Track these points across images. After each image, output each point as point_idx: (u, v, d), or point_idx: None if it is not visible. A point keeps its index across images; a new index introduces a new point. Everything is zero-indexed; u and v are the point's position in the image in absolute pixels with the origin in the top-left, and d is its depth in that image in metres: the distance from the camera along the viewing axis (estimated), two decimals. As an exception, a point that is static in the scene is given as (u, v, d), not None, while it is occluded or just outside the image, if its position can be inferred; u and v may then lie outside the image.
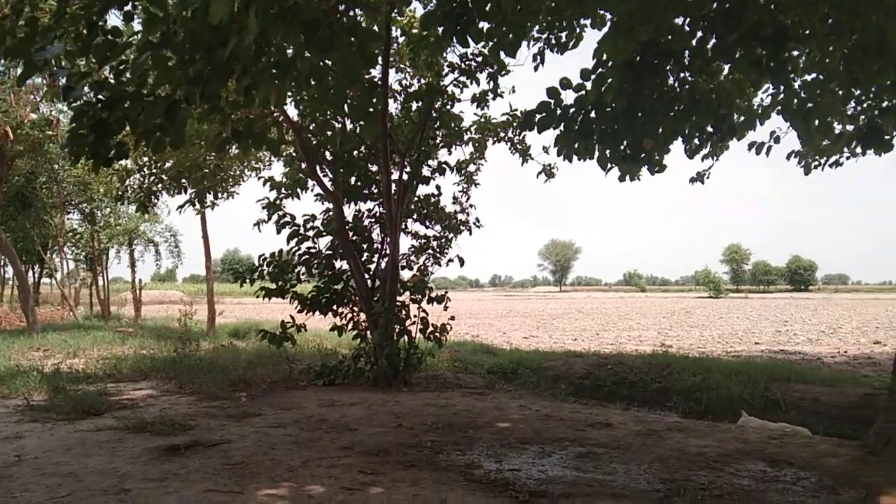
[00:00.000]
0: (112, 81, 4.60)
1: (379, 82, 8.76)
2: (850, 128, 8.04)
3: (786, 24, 6.50)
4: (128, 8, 4.70)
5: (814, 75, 6.95)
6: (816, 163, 8.75)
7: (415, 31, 9.07)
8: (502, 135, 11.00)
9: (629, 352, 13.89)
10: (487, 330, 22.34)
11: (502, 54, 6.91)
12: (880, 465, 4.34)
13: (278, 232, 8.99)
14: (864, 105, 7.34)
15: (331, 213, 9.28)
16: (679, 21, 6.47)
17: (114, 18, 14.06)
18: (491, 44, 7.17)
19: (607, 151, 7.26)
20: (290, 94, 8.34)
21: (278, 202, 9.29)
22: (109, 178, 14.24)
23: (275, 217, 9.10)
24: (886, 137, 7.61)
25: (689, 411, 8.64)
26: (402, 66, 9.99)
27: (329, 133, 9.11)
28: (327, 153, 9.23)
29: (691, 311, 38.60)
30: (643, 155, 7.32)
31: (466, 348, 12.71)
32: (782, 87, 6.99)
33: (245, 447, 5.05)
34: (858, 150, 7.94)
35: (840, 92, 6.85)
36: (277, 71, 4.78)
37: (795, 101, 6.93)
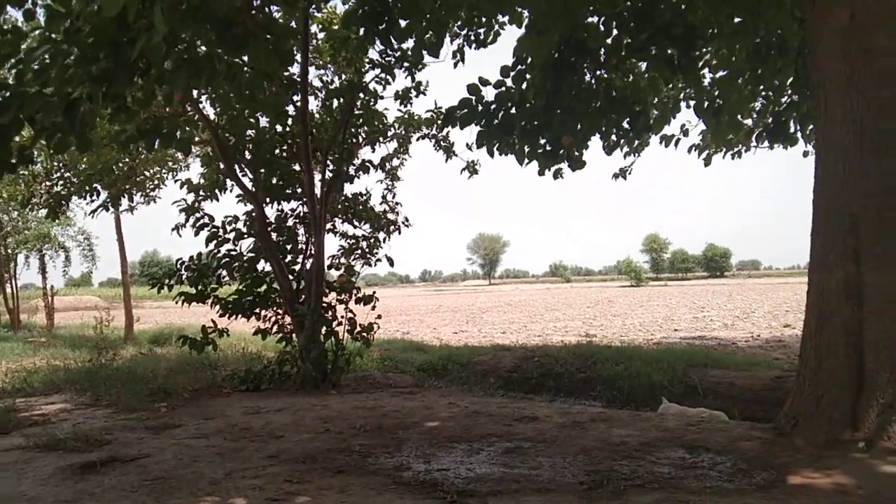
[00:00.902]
0: (11, 82, 4.32)
1: (298, 79, 8.60)
2: (751, 122, 8.44)
3: (695, 23, 6.75)
4: (28, 6, 4.41)
5: (723, 73, 7.22)
6: (716, 153, 9.11)
7: (335, 27, 8.94)
8: (426, 131, 11.00)
9: (555, 343, 14.16)
10: (418, 326, 22.35)
11: (425, 53, 6.96)
12: (789, 447, 4.55)
13: (196, 234, 8.69)
14: (770, 101, 7.67)
15: (253, 214, 9.04)
16: (594, 20, 6.62)
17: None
18: (413, 43, 7.19)
19: (527, 147, 7.38)
20: (204, 91, 8.10)
21: (196, 204, 8.99)
22: (13, 182, 13.40)
23: (192, 220, 8.79)
24: (791, 132, 7.99)
25: (613, 399, 8.90)
26: (322, 62, 9.83)
27: (248, 131, 8.89)
28: (247, 152, 8.99)
29: (614, 300, 39.72)
30: (562, 151, 7.45)
31: (396, 346, 12.66)
32: (693, 84, 7.25)
33: (165, 461, 4.86)
34: (766, 144, 8.28)
35: (747, 89, 7.13)
36: (189, 70, 4.62)
37: (706, 97, 7.23)
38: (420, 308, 37.55)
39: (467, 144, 11.19)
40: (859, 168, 4.51)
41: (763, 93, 7.35)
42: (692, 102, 7.42)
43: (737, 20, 6.69)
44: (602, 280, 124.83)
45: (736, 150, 9.09)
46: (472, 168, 11.35)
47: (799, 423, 4.77)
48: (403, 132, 10.72)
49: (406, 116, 10.47)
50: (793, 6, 6.31)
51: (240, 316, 8.88)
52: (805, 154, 8.33)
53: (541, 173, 7.84)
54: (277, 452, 5.07)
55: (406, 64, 8.90)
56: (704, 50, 7.31)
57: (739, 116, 7.54)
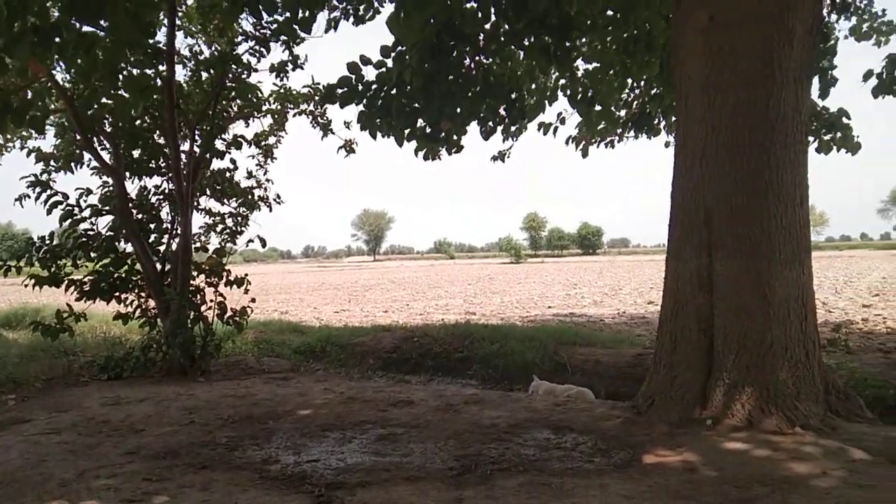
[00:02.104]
0: None
1: (164, 48, 8.04)
2: (625, 112, 8.80)
3: (570, 14, 6.91)
4: None
5: (595, 64, 7.45)
6: (592, 144, 9.45)
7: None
8: (304, 107, 10.68)
9: (436, 322, 14.32)
10: (297, 305, 21.90)
11: (297, 28, 6.70)
12: (646, 425, 4.83)
13: (48, 213, 7.96)
14: (638, 93, 8.01)
15: (111, 189, 8.41)
16: (472, 5, 6.62)
17: None
18: (286, 16, 6.90)
19: (407, 130, 7.32)
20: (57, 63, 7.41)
21: (47, 177, 8.20)
22: None
23: (44, 196, 8.02)
24: (655, 123, 8.39)
25: (489, 378, 9.13)
26: (192, 30, 9.27)
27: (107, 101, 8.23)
28: (106, 123, 8.31)
29: (494, 277, 40.75)
30: (441, 134, 7.46)
31: (272, 328, 12.33)
32: (568, 74, 7.44)
33: (10, 461, 4.47)
34: (632, 133, 8.64)
35: (617, 81, 7.40)
36: (38, 38, 4.20)
37: (580, 87, 7.44)
38: (301, 286, 36.84)
39: (346, 122, 11.04)
40: (714, 164, 4.80)
41: (632, 85, 7.66)
42: (568, 91, 7.61)
43: (609, 14, 6.92)
44: (484, 257, 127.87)
45: (609, 139, 9.45)
46: (348, 147, 11.15)
47: (655, 402, 5.07)
48: (279, 107, 10.34)
49: (283, 91, 10.10)
50: (661, 4, 6.60)
51: (98, 300, 8.27)
52: (667, 144, 8.81)
53: (425, 158, 7.84)
54: (137, 448, 4.79)
55: (283, 37, 8.53)
56: (579, 41, 7.50)
57: (609, 105, 7.82)
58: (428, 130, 7.40)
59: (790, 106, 4.65)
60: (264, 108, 9.93)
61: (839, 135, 8.03)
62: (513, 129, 8.88)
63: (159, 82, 8.23)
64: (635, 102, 8.62)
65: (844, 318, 14.03)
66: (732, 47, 4.69)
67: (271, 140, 10.28)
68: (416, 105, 7.13)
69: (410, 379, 9.16)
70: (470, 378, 9.28)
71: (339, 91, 7.08)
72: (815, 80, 8.08)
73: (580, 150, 9.44)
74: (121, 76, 5.72)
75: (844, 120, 8.06)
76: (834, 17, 9.42)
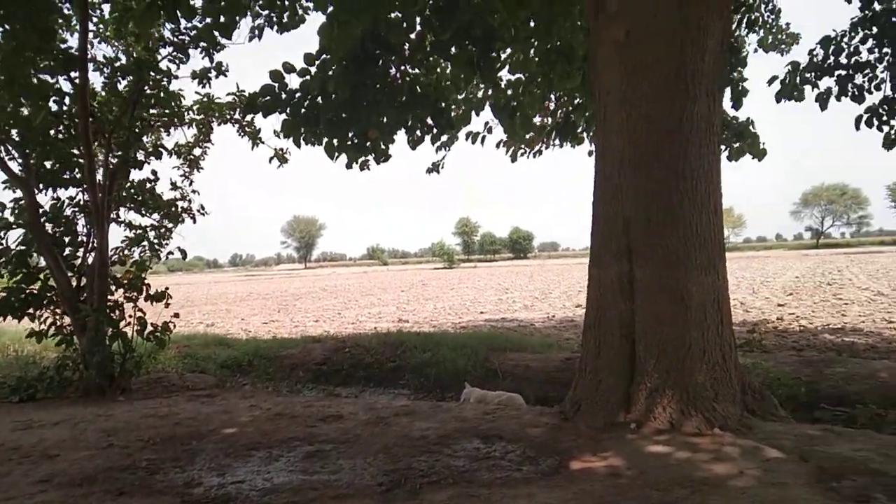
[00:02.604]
0: None
1: (77, 53, 7.70)
2: (547, 122, 8.96)
3: (494, 25, 7.00)
4: None
5: (519, 75, 7.56)
6: (520, 150, 9.58)
7: (118, -2, 8.11)
8: (229, 116, 10.40)
9: (369, 330, 14.23)
10: (224, 317, 21.34)
11: (217, 34, 6.54)
12: (573, 431, 4.91)
13: (-50, 228, 7.48)
14: (560, 103, 8.17)
15: (22, 203, 7.98)
16: (397, 15, 6.61)
17: None
18: (206, 21, 6.73)
19: (334, 139, 7.24)
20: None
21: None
22: None
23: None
24: (579, 132, 8.57)
25: (421, 387, 9.12)
26: (107, 35, 8.90)
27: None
28: (13, 132, 7.88)
29: (427, 283, 40.81)
30: (369, 143, 7.41)
31: (197, 342, 11.96)
32: (492, 85, 7.51)
33: None
34: (557, 141, 8.80)
35: (539, 91, 7.53)
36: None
37: (503, 97, 7.53)
38: (228, 296, 35.92)
39: (275, 131, 10.81)
40: (632, 175, 4.94)
41: (554, 95, 7.81)
42: (492, 101, 7.69)
43: (531, 26, 7.04)
44: (418, 262, 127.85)
45: (536, 147, 9.60)
46: (280, 156, 10.93)
47: (581, 407, 5.16)
48: (203, 116, 10.04)
49: (206, 100, 9.81)
50: (580, 17, 6.76)
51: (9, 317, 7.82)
52: (590, 153, 9.00)
53: (348, 166, 7.77)
54: (50, 475, 4.54)
55: (203, 44, 8.30)
56: (503, 53, 7.59)
57: (532, 115, 7.95)
58: (355, 140, 7.35)
59: (703, 118, 4.83)
60: (187, 116, 9.63)
61: (748, 142, 8.41)
62: (443, 139, 8.92)
63: (69, 88, 7.90)
64: (559, 112, 8.80)
65: (761, 317, 14.69)
66: (647, 62, 4.84)
67: (197, 151, 9.96)
68: (343, 114, 7.07)
69: (341, 391, 9.05)
70: (402, 388, 9.25)
71: (262, 100, 6.95)
72: (728, 91, 8.45)
73: (509, 155, 9.56)
74: (16, 84, 5.42)
75: (752, 128, 8.45)
76: (744, 31, 9.89)
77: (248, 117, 10.43)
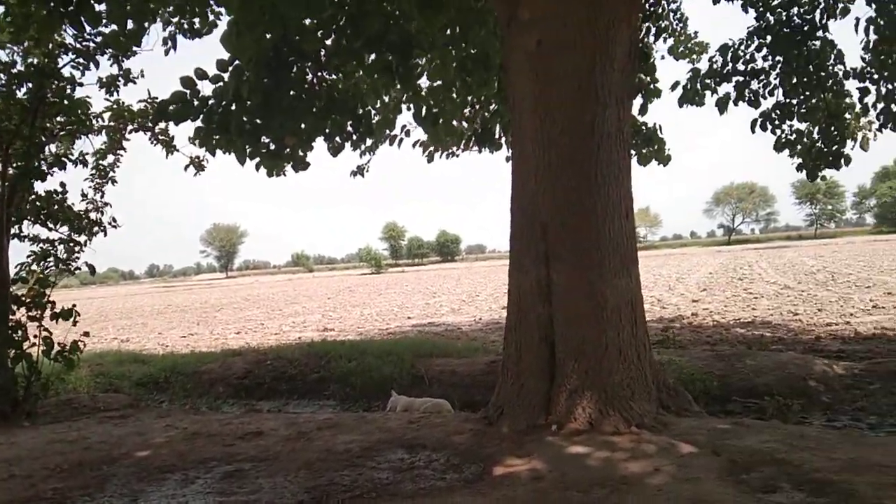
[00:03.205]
0: None
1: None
2: (465, 127, 9.02)
3: (411, 32, 6.99)
4: None
5: (438, 82, 7.57)
6: (436, 152, 9.60)
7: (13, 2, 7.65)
8: (141, 123, 9.99)
9: (293, 340, 13.97)
10: (140, 332, 20.50)
11: (124, 40, 6.28)
12: (496, 435, 4.94)
13: None
14: (478, 109, 8.24)
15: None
16: (311, 22, 6.50)
17: None
18: (112, 27, 6.45)
19: (249, 147, 7.06)
20: None
21: None
22: None
23: None
24: (497, 138, 8.67)
25: (346, 397, 9.00)
26: (2, 40, 8.38)
27: None
28: None
29: (354, 289, 40.45)
30: (286, 151, 7.27)
31: (110, 359, 11.39)
32: (411, 91, 7.50)
33: None
34: (475, 147, 8.88)
35: (458, 98, 7.57)
36: None
37: (423, 104, 7.52)
38: (144, 309, 34.54)
39: (190, 139, 10.46)
40: (547, 180, 5.02)
41: (472, 101, 7.87)
42: (412, 108, 7.67)
43: (448, 33, 7.07)
44: (345, 268, 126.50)
45: (452, 151, 9.64)
46: (197, 164, 10.58)
47: (504, 411, 5.20)
48: (114, 125, 9.60)
49: (116, 107, 9.39)
50: (495, 25, 6.83)
51: None
52: (507, 159, 9.13)
53: (269, 175, 7.61)
54: (-60, 514, 4.22)
55: (110, 50, 7.96)
56: (422, 59, 7.60)
57: (454, 122, 7.99)
58: (272, 147, 7.19)
59: (613, 125, 4.96)
60: (97, 124, 9.17)
61: (655, 148, 8.73)
62: (367, 144, 8.85)
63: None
64: (478, 118, 8.87)
65: (677, 313, 15.26)
66: (559, 70, 4.94)
67: (109, 159, 9.49)
68: (257, 121, 6.91)
69: (263, 406, 8.82)
70: (327, 399, 9.10)
71: (173, 107, 6.71)
72: (639, 97, 8.74)
73: (424, 156, 9.58)
74: None
75: (659, 134, 8.78)
76: (653, 38, 10.26)
77: (162, 125, 10.06)
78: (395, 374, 8.94)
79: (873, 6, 7.80)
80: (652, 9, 9.71)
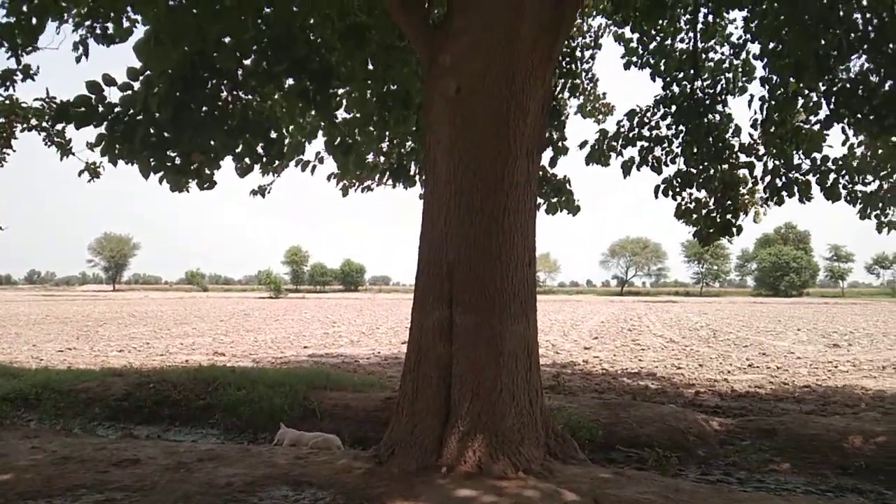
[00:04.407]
0: None
1: None
2: (381, 161, 9.07)
3: (332, 62, 7.00)
4: None
5: (355, 114, 7.59)
6: (351, 186, 9.57)
7: None
8: (35, 122, 9.45)
9: (180, 363, 13.36)
10: (12, 342, 19.00)
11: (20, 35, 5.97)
12: (386, 475, 4.89)
13: None
14: (395, 145, 8.31)
15: None
16: (231, 40, 6.40)
17: None
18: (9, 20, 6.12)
19: (153, 160, 6.81)
20: None
21: None
22: None
23: None
24: (411, 174, 8.75)
25: (232, 427, 8.64)
26: None
27: None
28: None
29: (250, 312, 39.20)
30: (193, 167, 7.06)
31: (-27, 372, 10.49)
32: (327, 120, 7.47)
33: None
34: (389, 182, 8.92)
35: (375, 132, 7.61)
36: None
37: (338, 134, 7.52)
38: (20, 317, 32.08)
39: (88, 144, 9.99)
40: (456, 224, 5.12)
41: (389, 137, 7.93)
42: (326, 137, 7.64)
43: (370, 68, 7.14)
44: (242, 290, 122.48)
45: (367, 184, 9.64)
46: (93, 170, 10.08)
47: (395, 451, 5.16)
48: (5, 120, 9.04)
49: (8, 103, 8.85)
50: (418, 66, 6.96)
51: None
52: (421, 196, 9.22)
53: (172, 189, 7.35)
54: None
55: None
56: (341, 90, 7.61)
57: (368, 156, 8.02)
58: (177, 161, 6.96)
59: (522, 176, 5.14)
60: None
61: (563, 198, 9.08)
62: (274, 165, 8.69)
63: None
64: (393, 153, 8.93)
65: (569, 359, 15.71)
66: (475, 119, 5.09)
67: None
68: (165, 134, 6.68)
69: (141, 432, 8.32)
70: (211, 428, 8.70)
71: (76, 110, 6.39)
72: (550, 150, 9.09)
73: (339, 189, 9.52)
74: None
75: (568, 186, 9.14)
76: (566, 95, 10.74)
77: (59, 126, 9.56)
78: (286, 405, 8.67)
79: (766, 87, 8.49)
80: (567, 66, 10.18)
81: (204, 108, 6.71)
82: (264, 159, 7.47)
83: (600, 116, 11.06)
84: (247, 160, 7.41)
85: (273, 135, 7.23)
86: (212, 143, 6.95)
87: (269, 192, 9.97)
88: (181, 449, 5.96)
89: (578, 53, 10.90)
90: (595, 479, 4.77)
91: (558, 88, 10.01)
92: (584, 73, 11.09)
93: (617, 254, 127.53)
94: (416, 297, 5.48)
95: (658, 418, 7.72)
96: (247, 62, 6.84)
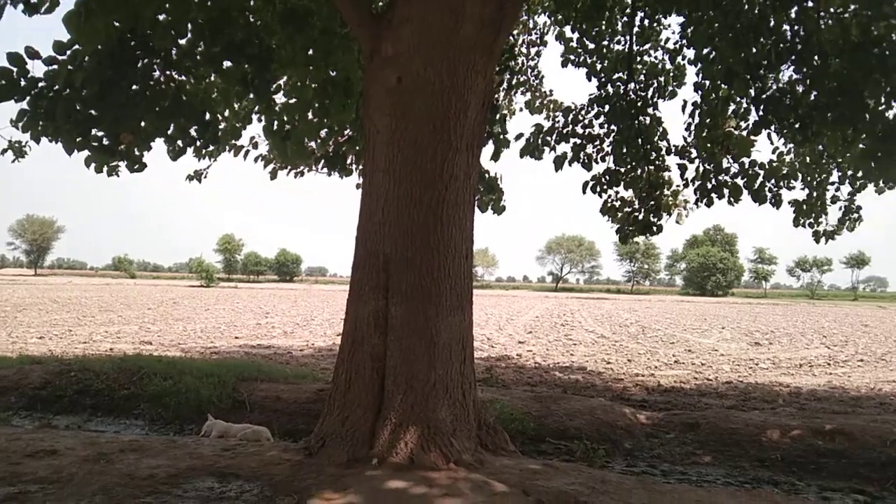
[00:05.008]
0: None
1: None
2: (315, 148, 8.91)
3: (271, 46, 6.85)
4: None
5: (294, 100, 7.44)
6: (281, 169, 9.39)
7: None
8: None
9: (104, 351, 12.88)
10: (-81, 327, 17.92)
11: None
12: (316, 468, 4.83)
13: None
14: (333, 132, 8.19)
15: None
16: (166, 18, 6.17)
17: None
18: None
19: (79, 138, 6.52)
20: None
21: None
22: None
23: None
24: (348, 164, 8.65)
25: (158, 418, 8.39)
26: None
27: None
28: None
29: (180, 301, 38.11)
30: (121, 147, 6.79)
31: None
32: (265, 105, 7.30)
33: None
34: (325, 169, 8.79)
35: (314, 119, 7.49)
36: None
37: (276, 119, 7.36)
38: (-71, 302, 30.29)
39: (12, 121, 9.46)
40: (394, 214, 5.10)
41: (328, 124, 7.79)
42: (263, 121, 7.46)
43: (311, 53, 7.00)
44: (172, 278, 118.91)
45: (300, 170, 9.46)
46: (17, 149, 9.54)
47: (326, 443, 5.11)
48: None
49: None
50: (359, 54, 6.87)
51: None
52: (357, 186, 9.11)
53: (98, 170, 7.06)
54: None
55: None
56: (281, 75, 7.45)
57: (306, 142, 7.87)
58: (105, 142, 6.68)
59: (462, 169, 5.15)
60: None
61: (494, 196, 9.16)
62: (208, 149, 8.44)
63: None
64: (331, 140, 8.80)
65: (504, 352, 15.90)
66: (416, 110, 5.07)
67: None
68: (91, 112, 6.40)
69: (60, 422, 7.99)
70: (136, 419, 8.42)
71: (-6, 83, 6.06)
72: (491, 144, 9.15)
73: (268, 172, 9.31)
74: None
75: (499, 183, 9.23)
76: (511, 91, 10.81)
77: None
78: (215, 396, 8.47)
79: (699, 93, 8.78)
80: (510, 63, 10.25)
81: (134, 87, 6.46)
82: (198, 143, 7.27)
83: (548, 112, 11.16)
84: (179, 143, 7.19)
85: (207, 117, 7.04)
86: (142, 123, 6.72)
87: (205, 178, 9.69)
88: (102, 440, 5.73)
89: (524, 50, 11.01)
90: (524, 470, 4.85)
91: (503, 84, 10.07)
92: (529, 70, 11.19)
93: (553, 251, 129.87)
94: (351, 287, 5.43)
95: (587, 411, 7.90)
96: (182, 42, 6.63)
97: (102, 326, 19.79)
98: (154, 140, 6.98)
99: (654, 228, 9.66)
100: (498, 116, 9.33)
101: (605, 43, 9.85)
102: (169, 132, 6.94)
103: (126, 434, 7.04)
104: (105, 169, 7.16)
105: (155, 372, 9.15)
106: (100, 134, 6.62)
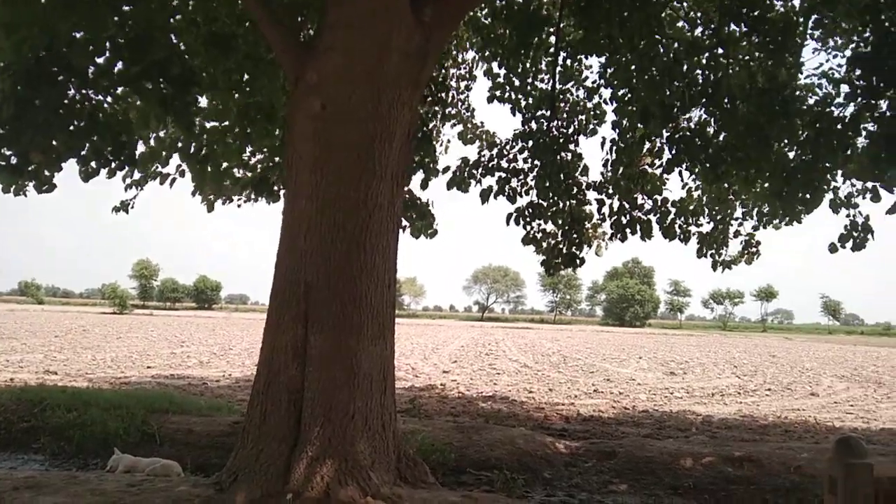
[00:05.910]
0: None
1: None
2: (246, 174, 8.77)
3: (193, 68, 6.72)
4: None
5: (215, 124, 7.31)
6: (216, 200, 9.18)
7: None
8: None
9: (4, 381, 12.07)
10: None
11: None
12: (226, 503, 4.65)
13: None
14: (257, 158, 8.07)
15: None
16: (83, 35, 5.98)
17: None
18: None
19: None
20: None
21: None
22: None
23: None
24: (275, 189, 8.53)
25: (60, 453, 7.91)
26: None
27: None
28: None
29: (90, 329, 36.26)
30: (31, 168, 6.49)
31: None
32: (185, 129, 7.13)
33: None
34: (252, 196, 8.64)
35: (236, 143, 7.36)
36: None
37: (195, 143, 7.20)
38: None
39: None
40: (316, 242, 5.04)
41: (251, 150, 7.69)
42: (182, 145, 7.29)
43: (235, 78, 6.92)
44: (83, 304, 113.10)
45: (226, 197, 9.26)
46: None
47: (239, 477, 4.92)
48: None
49: None
50: (285, 81, 6.83)
51: None
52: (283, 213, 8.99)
53: (4, 191, 6.74)
54: None
55: None
56: (202, 98, 7.31)
57: (228, 168, 7.73)
58: (14, 161, 6.37)
59: (386, 198, 5.17)
60: None
61: (426, 222, 9.23)
62: (129, 174, 8.14)
63: None
64: (258, 166, 8.67)
65: (428, 382, 15.82)
66: (340, 138, 5.07)
67: None
68: (3, 131, 6.11)
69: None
70: (35, 453, 7.91)
71: None
72: (421, 173, 9.23)
73: (203, 204, 9.06)
74: None
75: (430, 209, 9.31)
76: (440, 123, 10.94)
77: None
78: (122, 429, 8.05)
79: (617, 130, 9.14)
80: (437, 95, 10.39)
81: (48, 106, 6.19)
82: (113, 164, 7.00)
83: (482, 143, 11.31)
84: (93, 164, 6.92)
85: (124, 138, 6.81)
86: (53, 142, 6.44)
87: (132, 208, 9.24)
88: (-6, 477, 5.36)
89: (453, 83, 11.17)
90: (443, 502, 4.81)
91: (432, 115, 10.18)
92: (460, 103, 11.36)
93: (479, 280, 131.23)
94: (269, 315, 5.33)
95: (508, 441, 7.93)
96: (100, 60, 6.42)
97: (3, 355, 18.56)
98: (66, 160, 6.70)
99: (578, 262, 9.92)
100: (427, 147, 9.43)
101: (530, 80, 10.14)
102: (83, 152, 6.68)
103: (22, 470, 6.58)
104: (11, 189, 6.83)
105: (58, 403, 8.64)
106: (8, 153, 6.32)
